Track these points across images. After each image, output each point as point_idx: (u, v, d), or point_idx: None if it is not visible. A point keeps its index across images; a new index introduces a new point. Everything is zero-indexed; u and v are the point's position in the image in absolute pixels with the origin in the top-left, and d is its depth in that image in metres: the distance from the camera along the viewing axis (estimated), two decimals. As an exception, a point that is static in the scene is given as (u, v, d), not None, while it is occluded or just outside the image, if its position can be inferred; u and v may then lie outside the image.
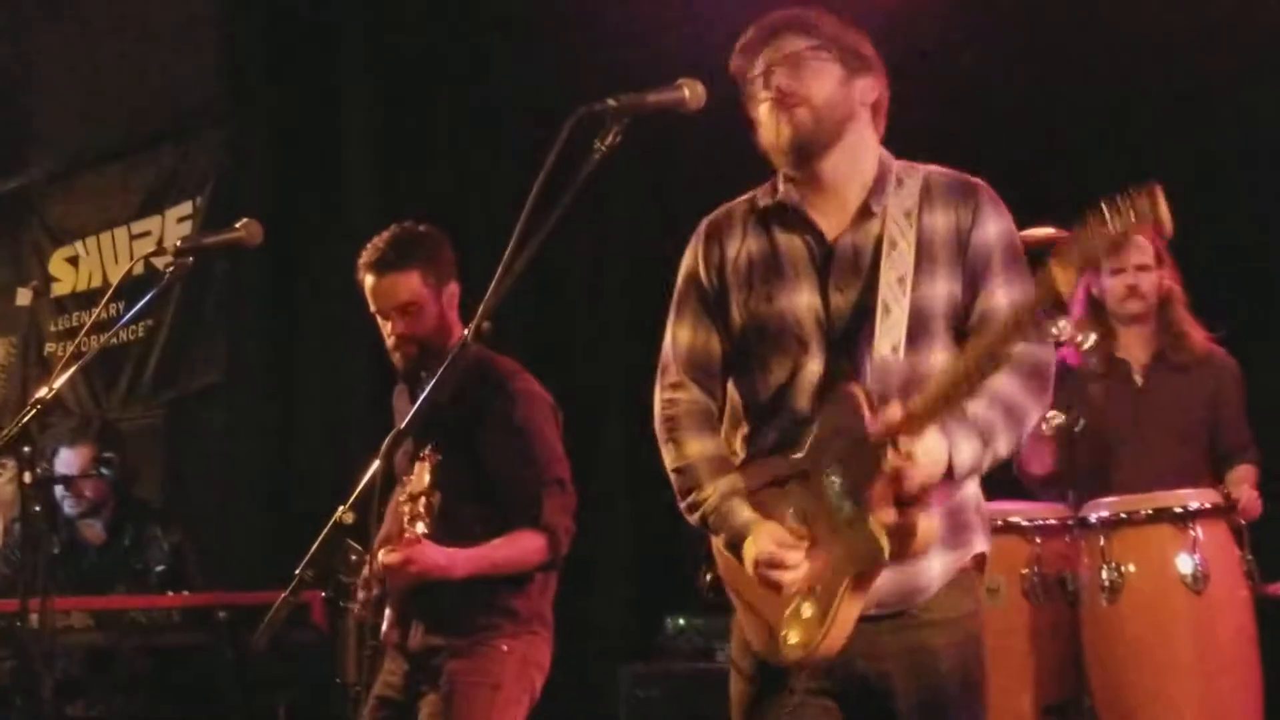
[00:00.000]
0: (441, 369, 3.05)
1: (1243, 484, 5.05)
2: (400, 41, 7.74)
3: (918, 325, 3.15)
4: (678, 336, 3.38)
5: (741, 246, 3.31)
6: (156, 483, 7.88)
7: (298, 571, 2.92)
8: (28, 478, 3.91)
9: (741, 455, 3.35)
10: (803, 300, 3.23)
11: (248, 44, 8.09)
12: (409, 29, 7.72)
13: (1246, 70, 6.09)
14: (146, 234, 8.33)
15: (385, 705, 4.26)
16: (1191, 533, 4.77)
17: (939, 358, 3.17)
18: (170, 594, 6.09)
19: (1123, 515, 4.86)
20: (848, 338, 3.20)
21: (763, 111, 3.23)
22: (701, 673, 5.93)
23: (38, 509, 4.14)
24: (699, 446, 3.33)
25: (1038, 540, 4.98)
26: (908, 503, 3.05)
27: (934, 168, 3.32)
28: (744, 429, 3.35)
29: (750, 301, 3.28)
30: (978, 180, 3.30)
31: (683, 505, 3.34)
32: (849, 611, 3.10)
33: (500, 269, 2.94)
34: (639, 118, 3.03)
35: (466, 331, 3.01)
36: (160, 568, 6.39)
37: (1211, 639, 4.74)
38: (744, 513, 3.24)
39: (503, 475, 4.28)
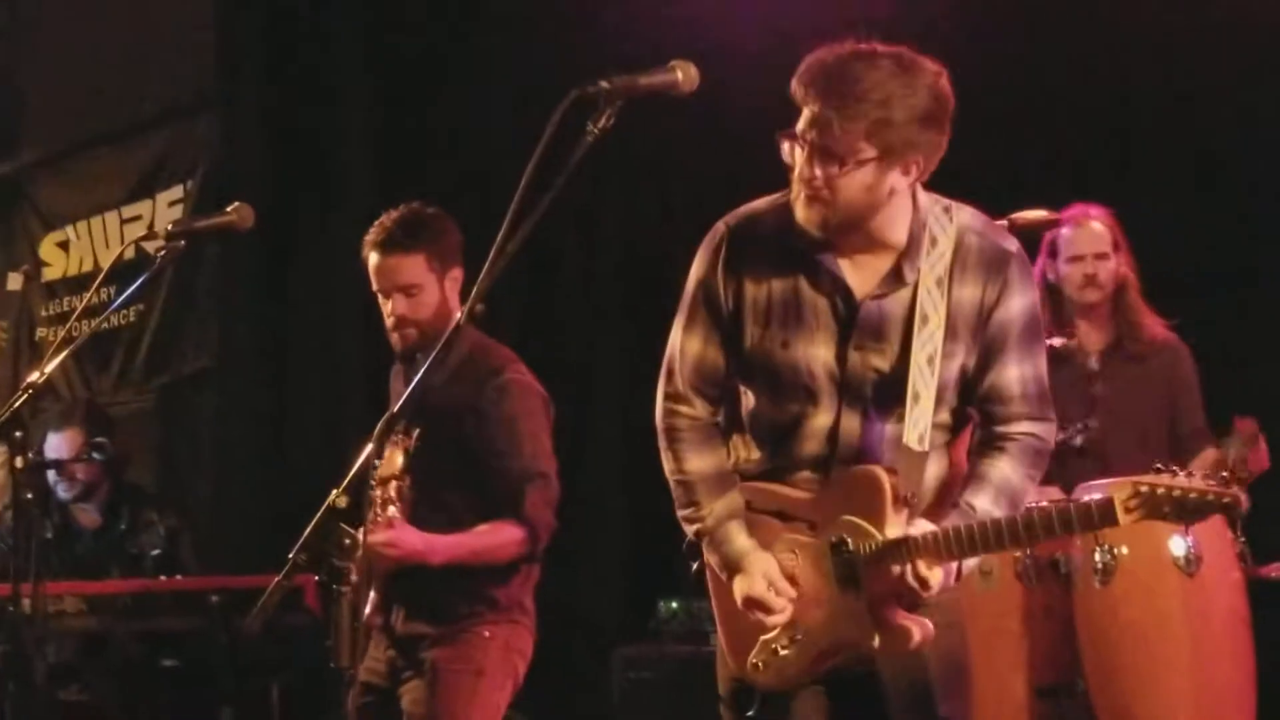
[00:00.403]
0: (436, 351, 3.05)
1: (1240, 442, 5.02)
2: (394, 24, 7.73)
3: (940, 395, 3.18)
4: (686, 347, 3.34)
5: (763, 281, 3.24)
6: (149, 467, 7.87)
7: (291, 555, 2.91)
8: (19, 462, 3.91)
9: (748, 460, 3.36)
10: (819, 354, 3.21)
11: (240, 27, 8.06)
12: (403, 10, 7.70)
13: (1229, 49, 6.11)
14: (137, 218, 8.30)
15: (368, 691, 4.28)
16: (1184, 515, 4.76)
17: (943, 418, 3.21)
18: (163, 578, 6.09)
19: (1116, 498, 4.85)
20: (864, 399, 3.20)
21: (795, 161, 3.13)
22: (694, 656, 5.93)
23: (29, 494, 4.13)
24: (699, 464, 3.34)
25: (1030, 523, 4.97)
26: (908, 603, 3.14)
27: (968, 219, 3.24)
28: (751, 440, 3.35)
29: (765, 340, 3.25)
30: (1012, 247, 3.24)
31: (680, 515, 3.37)
32: (821, 666, 3.22)
33: (493, 251, 2.94)
34: (632, 100, 3.01)
35: (460, 314, 3.00)
36: (155, 552, 6.39)
37: (1204, 621, 4.74)
38: (740, 540, 3.26)
39: (488, 465, 4.28)
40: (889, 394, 3.18)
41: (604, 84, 2.99)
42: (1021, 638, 4.94)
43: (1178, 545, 4.75)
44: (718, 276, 3.28)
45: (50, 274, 8.66)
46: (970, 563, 3.19)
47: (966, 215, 3.24)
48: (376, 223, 4.38)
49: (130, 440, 7.11)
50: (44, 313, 8.64)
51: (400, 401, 3.01)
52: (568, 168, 2.93)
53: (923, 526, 3.12)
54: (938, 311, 3.14)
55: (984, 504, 3.17)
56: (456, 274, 4.37)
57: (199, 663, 5.64)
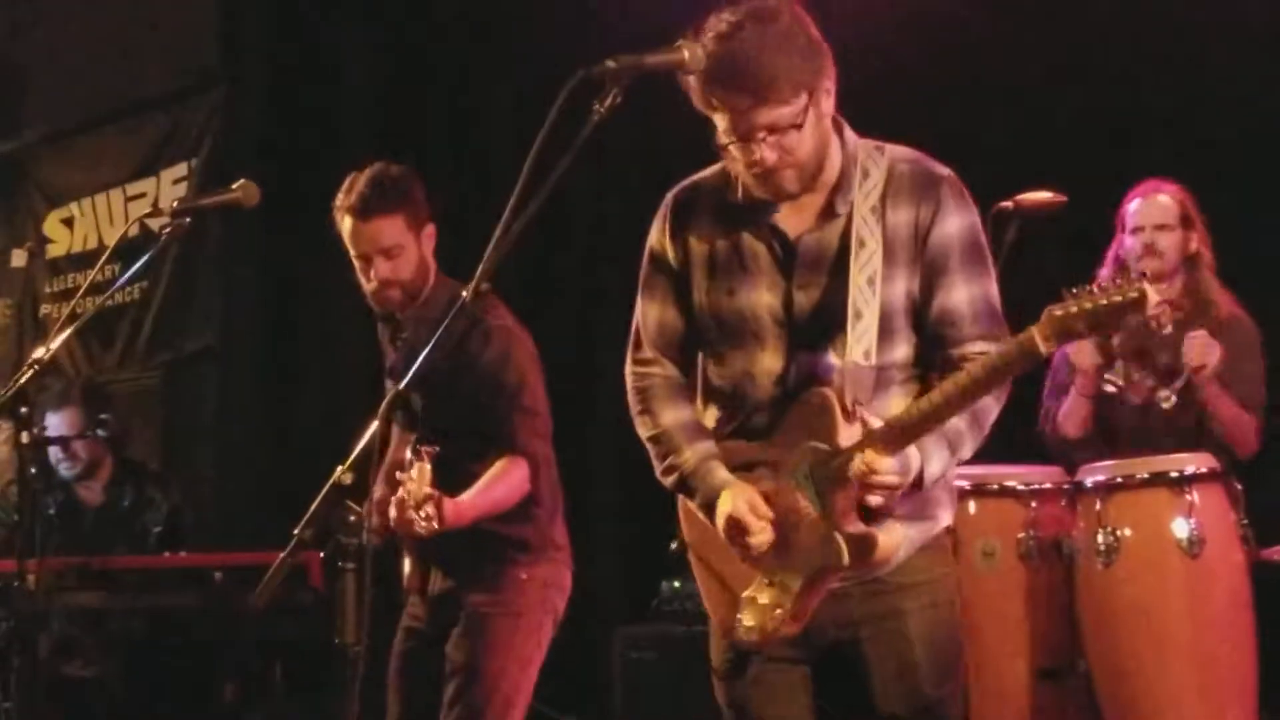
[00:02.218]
0: (440, 330, 3.04)
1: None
2: (398, 5, 7.72)
3: (884, 325, 3.18)
4: (647, 314, 3.42)
5: (707, 235, 3.32)
6: (152, 445, 7.89)
7: (295, 532, 2.91)
8: (25, 438, 3.92)
9: (712, 429, 3.39)
10: (762, 298, 3.26)
11: (244, 4, 8.05)
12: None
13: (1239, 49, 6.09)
14: (142, 195, 8.31)
15: (412, 635, 4.39)
16: (1188, 497, 4.77)
17: (902, 352, 3.22)
18: (166, 554, 6.10)
19: (1119, 479, 4.86)
20: (810, 335, 3.24)
21: (738, 157, 3.19)
22: (696, 635, 5.88)
23: (34, 470, 4.14)
24: (674, 415, 3.38)
25: (1033, 504, 4.98)
26: (873, 513, 3.13)
27: (900, 152, 3.30)
28: (710, 408, 3.39)
29: (713, 293, 3.31)
30: (943, 171, 3.28)
31: (659, 470, 3.39)
32: (803, 607, 3.19)
33: (498, 231, 2.94)
34: (638, 80, 3.01)
35: (465, 294, 3.01)
36: (158, 529, 6.40)
37: (1206, 603, 4.75)
38: (721, 473, 3.29)
39: (479, 405, 4.29)
40: (834, 324, 3.20)
41: (610, 63, 2.99)
42: (1023, 619, 4.95)
43: (1181, 527, 4.75)
44: (666, 241, 3.37)
45: (54, 251, 8.67)
46: (933, 470, 3.13)
47: (899, 149, 3.31)
48: (345, 187, 4.37)
49: (134, 417, 7.12)
50: (48, 289, 8.65)
51: (405, 379, 3.02)
52: (574, 148, 2.93)
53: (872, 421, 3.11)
54: (874, 236, 3.18)
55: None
56: (430, 229, 4.39)
57: (202, 639, 5.64)
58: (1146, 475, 4.84)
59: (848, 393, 3.15)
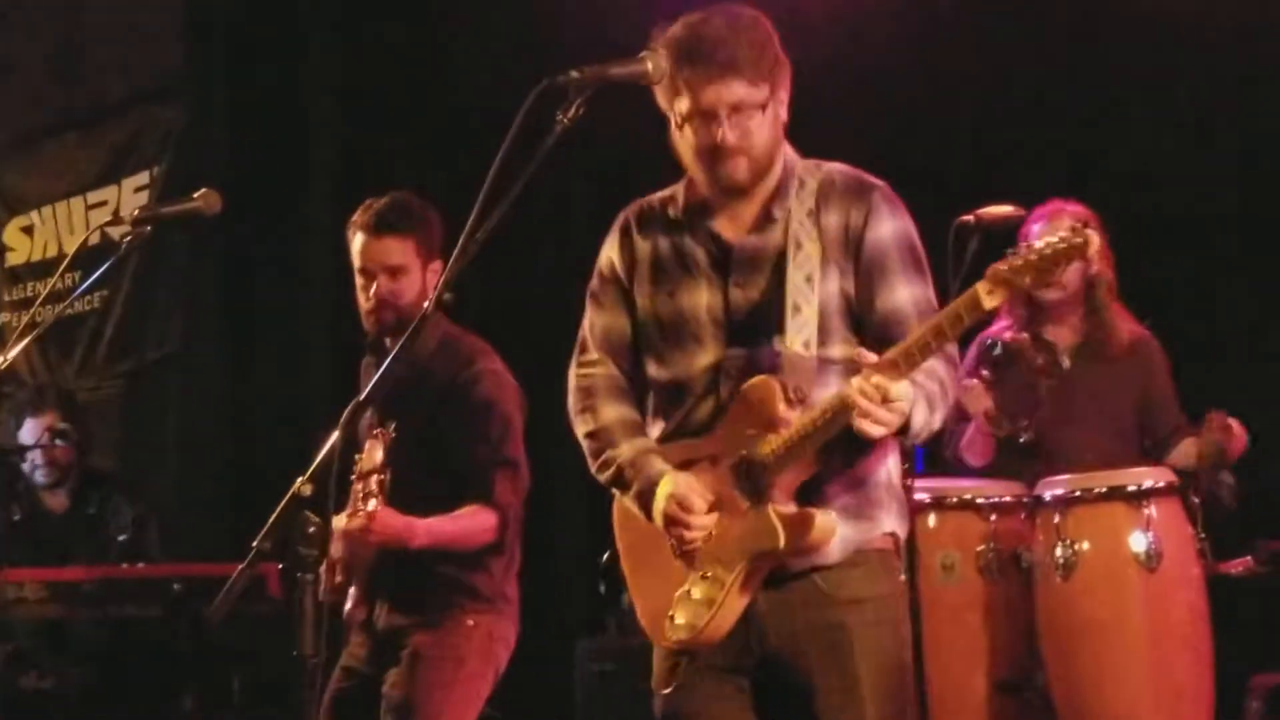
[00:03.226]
0: (404, 338, 3.05)
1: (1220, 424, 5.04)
2: (363, 12, 7.71)
3: (822, 322, 3.25)
4: (595, 321, 3.48)
5: (652, 245, 3.41)
6: (112, 454, 7.84)
7: (255, 543, 2.90)
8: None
9: (656, 437, 3.42)
10: (701, 298, 3.33)
11: (208, 13, 8.03)
12: (374, 1, 7.70)
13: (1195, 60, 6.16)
14: (103, 203, 8.26)
15: (350, 675, 4.32)
16: (1145, 511, 4.79)
17: (840, 350, 3.26)
18: (125, 565, 6.07)
19: (1077, 493, 4.88)
20: (747, 332, 3.30)
21: (695, 140, 3.25)
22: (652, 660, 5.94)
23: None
24: (614, 412, 3.42)
25: (993, 517, 5.00)
26: (807, 497, 3.18)
27: (836, 166, 3.39)
28: (652, 412, 3.43)
29: (655, 297, 3.38)
30: (875, 180, 3.37)
31: (595, 466, 3.42)
32: (737, 601, 3.20)
33: (462, 239, 2.95)
34: (602, 90, 3.02)
35: (427, 303, 3.00)
36: (122, 538, 6.37)
37: (1164, 617, 4.77)
38: (659, 463, 3.31)
39: (459, 450, 4.29)
40: (771, 320, 3.25)
41: (574, 74, 3.02)
42: (982, 632, 4.96)
43: (1138, 541, 4.78)
44: (615, 254, 3.46)
45: (14, 259, 8.61)
46: (918, 419, 3.12)
47: (835, 164, 3.40)
48: (364, 205, 4.42)
49: (94, 426, 7.08)
50: (7, 298, 8.59)
51: (368, 389, 3.02)
52: (537, 158, 2.94)
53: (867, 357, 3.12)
54: (811, 239, 3.27)
55: (919, 378, 3.16)
56: (436, 266, 4.40)
57: (161, 650, 5.61)
58: (1104, 489, 4.86)
59: (789, 380, 3.19)
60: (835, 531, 3.20)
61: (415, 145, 7.54)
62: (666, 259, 3.38)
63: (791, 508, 3.18)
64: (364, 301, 4.39)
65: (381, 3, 7.67)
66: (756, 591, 3.22)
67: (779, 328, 3.23)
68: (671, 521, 3.24)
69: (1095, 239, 2.96)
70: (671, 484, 3.25)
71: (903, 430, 3.12)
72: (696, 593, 3.23)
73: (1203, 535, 4.91)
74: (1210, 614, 4.85)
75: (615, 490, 3.41)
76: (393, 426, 4.18)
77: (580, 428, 3.46)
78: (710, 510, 3.24)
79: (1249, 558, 5.10)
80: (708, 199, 3.34)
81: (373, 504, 4.00)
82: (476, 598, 4.31)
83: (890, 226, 3.30)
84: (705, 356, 3.31)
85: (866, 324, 3.27)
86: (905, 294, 3.27)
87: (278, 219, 7.69)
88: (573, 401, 3.48)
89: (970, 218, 4.97)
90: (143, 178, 8.14)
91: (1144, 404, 5.29)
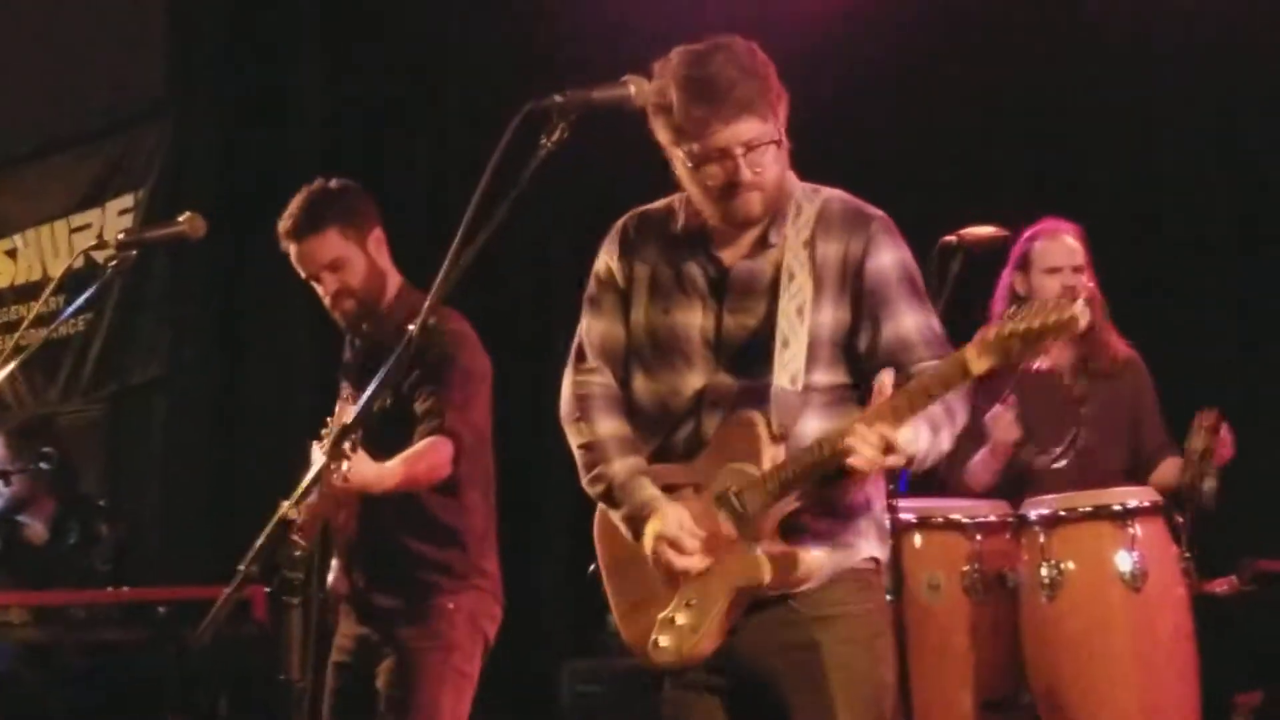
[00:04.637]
0: (393, 359, 3.04)
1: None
2: (349, 35, 7.72)
3: (811, 352, 3.25)
4: (592, 328, 3.47)
5: (650, 259, 3.41)
6: (97, 477, 7.83)
7: (241, 567, 2.90)
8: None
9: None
10: (695, 320, 3.34)
11: (193, 35, 8.03)
12: (358, 21, 7.70)
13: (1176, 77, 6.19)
14: (87, 227, 8.27)
15: (342, 671, 4.36)
16: (1130, 530, 4.80)
17: (826, 377, 3.28)
18: (110, 589, 6.05)
19: (1062, 513, 4.89)
20: (736, 359, 3.31)
21: (709, 178, 3.25)
22: (643, 669, 5.94)
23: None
24: (610, 426, 3.41)
25: (978, 537, 5.00)
26: (792, 533, 3.20)
27: (834, 193, 3.39)
28: (639, 428, 3.42)
29: (650, 311, 3.39)
30: (874, 210, 3.37)
31: (587, 479, 3.40)
32: (720, 627, 3.22)
33: (447, 263, 2.95)
34: (586, 114, 3.04)
35: (412, 328, 3.01)
36: (106, 567, 6.35)
37: (1149, 636, 4.78)
38: (649, 489, 3.31)
39: (415, 395, 4.29)
40: (760, 350, 3.26)
41: (557, 97, 3.03)
42: (968, 651, 4.96)
43: (1124, 560, 4.78)
44: (614, 263, 3.45)
45: (-2, 282, 8.61)
46: (921, 447, 3.14)
47: (833, 191, 3.40)
48: (284, 213, 4.44)
49: (79, 450, 7.07)
50: (-9, 321, 8.59)
51: (355, 412, 3.02)
52: (521, 181, 2.95)
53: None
54: (804, 269, 3.27)
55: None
56: (377, 234, 4.43)
57: (146, 674, 5.60)
58: (1089, 508, 4.87)
59: (775, 417, 3.21)
60: (822, 568, 3.24)
61: (401, 167, 7.54)
62: (664, 276, 3.39)
63: (779, 545, 3.20)
64: (324, 302, 4.43)
65: (367, 24, 7.68)
66: (738, 618, 3.24)
67: (765, 359, 3.24)
68: (658, 559, 3.25)
69: (1084, 315, 2.96)
70: (662, 523, 3.24)
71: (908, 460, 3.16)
72: (681, 619, 3.25)
73: (1187, 554, 4.91)
74: (1195, 633, 4.85)
75: (603, 505, 3.41)
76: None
77: (574, 437, 3.45)
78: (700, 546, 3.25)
79: (1233, 577, 5.11)
80: (709, 223, 3.35)
81: (345, 465, 3.97)
82: (451, 574, 4.32)
83: (890, 256, 3.31)
84: (693, 379, 3.32)
85: (874, 351, 3.28)
86: (910, 321, 3.28)
87: (262, 241, 7.67)
88: (568, 409, 3.47)
89: (953, 238, 4.98)
90: (127, 200, 8.14)
91: (1134, 421, 5.31)
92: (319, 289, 4.43)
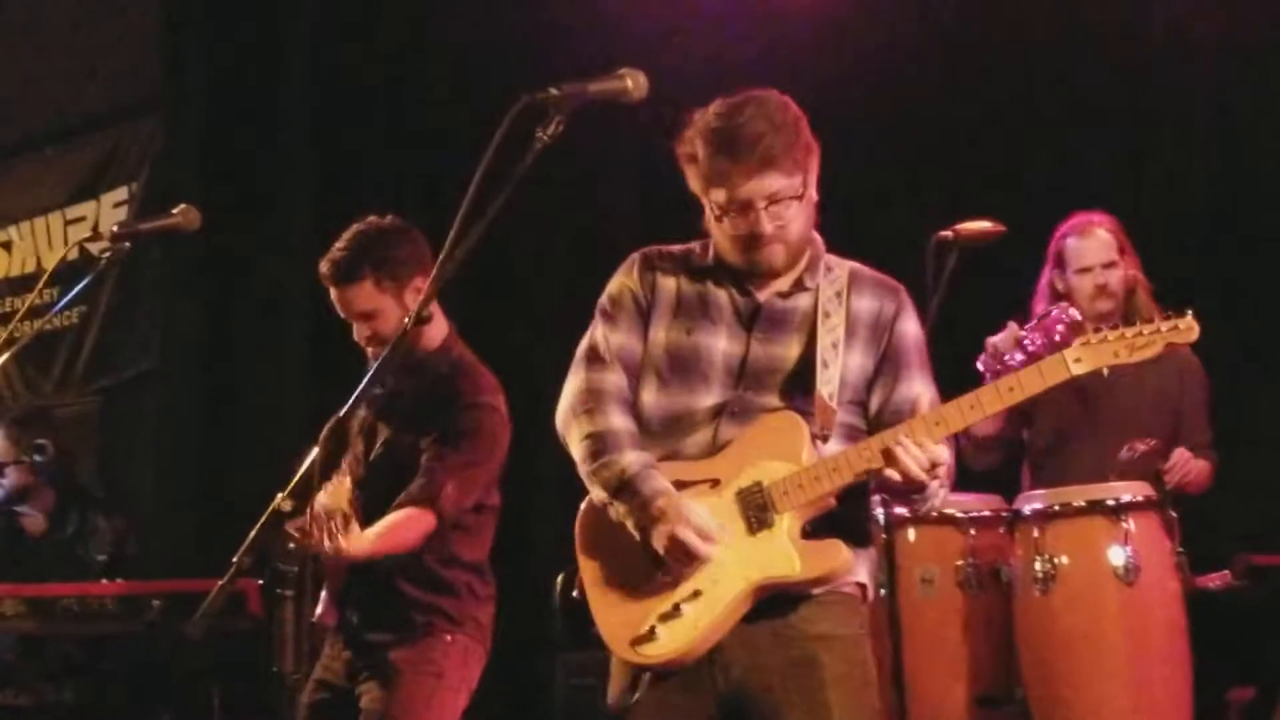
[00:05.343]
0: (383, 355, 3.05)
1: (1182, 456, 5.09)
2: (340, 26, 7.71)
3: (841, 384, 3.33)
4: (610, 337, 3.47)
5: (674, 283, 3.46)
6: (90, 469, 7.83)
7: (234, 559, 2.90)
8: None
9: None
10: (719, 344, 3.39)
11: (185, 29, 8.03)
12: (349, 14, 7.69)
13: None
14: (81, 219, 8.26)
15: (324, 687, 4.29)
16: (1124, 525, 4.80)
17: (844, 416, 3.36)
18: (104, 581, 6.05)
19: (1055, 507, 4.89)
20: (762, 382, 3.36)
21: (732, 229, 3.32)
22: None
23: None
24: (621, 421, 3.40)
25: (972, 532, 5.00)
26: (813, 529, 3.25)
27: (859, 265, 3.49)
28: (645, 436, 3.41)
29: (672, 330, 3.42)
30: (899, 284, 3.49)
31: (593, 466, 3.35)
32: (726, 623, 3.23)
33: (442, 257, 2.95)
34: (581, 107, 3.03)
35: (407, 319, 3.01)
36: (102, 557, 6.35)
37: (1142, 631, 4.78)
38: (661, 480, 3.30)
39: (426, 445, 4.27)
40: (788, 374, 3.35)
41: (553, 91, 3.02)
42: (962, 646, 4.97)
43: (1117, 555, 4.79)
44: (634, 281, 3.48)
45: (-8, 275, 8.60)
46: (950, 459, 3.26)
47: (856, 263, 3.51)
48: (329, 252, 4.37)
49: (71, 442, 7.07)
50: (-15, 313, 8.58)
51: (346, 406, 3.02)
52: (517, 174, 2.94)
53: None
54: (839, 313, 3.38)
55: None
56: (418, 283, 4.33)
57: (140, 667, 5.60)
58: (1083, 503, 4.87)
59: (817, 420, 3.28)
60: (850, 564, 3.27)
61: (393, 161, 7.54)
62: (689, 298, 3.43)
63: (813, 541, 3.25)
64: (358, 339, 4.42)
65: (359, 19, 7.67)
66: (740, 618, 3.24)
67: (792, 382, 3.33)
68: (680, 546, 3.23)
69: (1196, 332, 3.07)
70: (689, 511, 3.24)
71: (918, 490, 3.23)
72: (687, 609, 3.23)
73: (1181, 550, 4.92)
74: (1188, 628, 4.85)
75: (606, 494, 3.35)
76: (380, 439, 4.24)
77: (581, 425, 3.40)
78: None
79: (1227, 572, 5.11)
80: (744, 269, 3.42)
81: (335, 484, 3.96)
82: (447, 618, 4.30)
83: (914, 327, 3.45)
84: (709, 398, 3.36)
85: (882, 403, 3.38)
86: (923, 390, 3.38)
87: (256, 234, 7.68)
88: (575, 401, 3.44)
89: (949, 233, 4.98)
90: (121, 193, 8.14)
91: (1176, 412, 5.29)
92: (353, 327, 4.40)
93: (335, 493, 3.91)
